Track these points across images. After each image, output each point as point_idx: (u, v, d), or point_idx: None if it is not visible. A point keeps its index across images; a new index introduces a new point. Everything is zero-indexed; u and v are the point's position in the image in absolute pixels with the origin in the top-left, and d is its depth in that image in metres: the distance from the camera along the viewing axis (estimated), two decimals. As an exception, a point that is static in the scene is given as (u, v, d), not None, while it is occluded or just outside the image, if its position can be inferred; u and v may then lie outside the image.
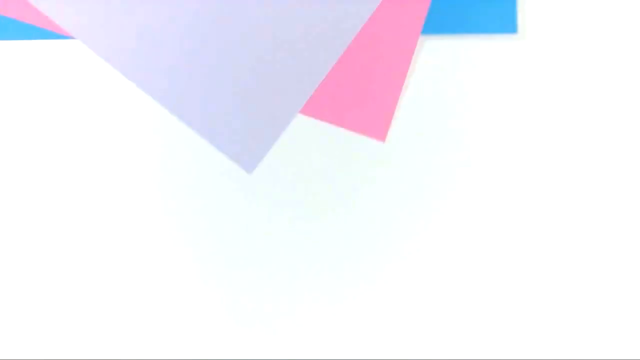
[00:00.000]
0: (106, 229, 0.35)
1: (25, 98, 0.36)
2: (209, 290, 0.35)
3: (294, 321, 0.35)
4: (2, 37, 0.35)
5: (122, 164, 0.36)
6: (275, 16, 0.33)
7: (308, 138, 0.35)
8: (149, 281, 0.35)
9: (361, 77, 0.33)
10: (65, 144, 0.36)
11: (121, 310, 0.35)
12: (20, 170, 0.36)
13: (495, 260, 0.35)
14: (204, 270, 0.35)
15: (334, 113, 0.34)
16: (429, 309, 0.35)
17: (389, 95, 0.33)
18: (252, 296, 0.35)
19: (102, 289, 0.35)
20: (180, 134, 0.36)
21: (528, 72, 0.35)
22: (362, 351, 0.35)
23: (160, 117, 0.36)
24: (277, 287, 0.35)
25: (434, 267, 0.35)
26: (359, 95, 0.33)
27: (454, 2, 0.33)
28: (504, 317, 0.35)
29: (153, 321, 0.35)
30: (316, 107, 0.34)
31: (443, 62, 0.35)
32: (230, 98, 0.33)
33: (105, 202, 0.35)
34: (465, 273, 0.35)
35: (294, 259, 0.35)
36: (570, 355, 0.35)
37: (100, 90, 0.36)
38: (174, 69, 0.33)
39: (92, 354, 0.35)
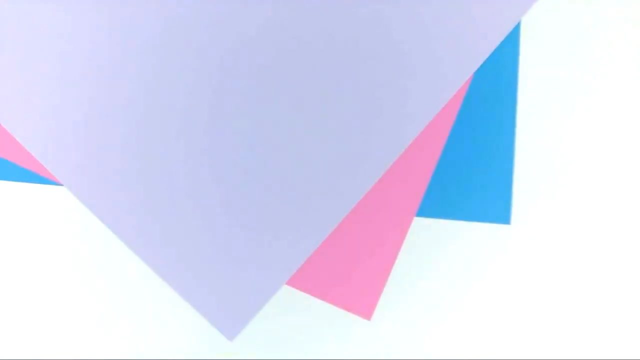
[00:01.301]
0: None
1: (12, 240, 0.35)
2: None
3: None
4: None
5: (104, 318, 0.34)
6: (266, 188, 0.33)
7: (291, 308, 0.35)
8: None
9: (351, 253, 0.33)
10: (40, 291, 0.35)
11: None
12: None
13: None
14: None
15: (320, 287, 0.33)
16: None
17: (378, 274, 0.33)
18: None
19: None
20: (162, 291, 0.35)
21: (518, 260, 0.35)
22: None
23: (144, 272, 0.35)
24: None
25: None
26: (347, 271, 0.33)
27: (449, 189, 0.33)
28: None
29: None
30: (302, 279, 0.33)
31: (433, 243, 0.35)
32: (217, 265, 0.33)
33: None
34: None
35: None
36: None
37: (84, 238, 0.35)
38: (163, 231, 0.33)
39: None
